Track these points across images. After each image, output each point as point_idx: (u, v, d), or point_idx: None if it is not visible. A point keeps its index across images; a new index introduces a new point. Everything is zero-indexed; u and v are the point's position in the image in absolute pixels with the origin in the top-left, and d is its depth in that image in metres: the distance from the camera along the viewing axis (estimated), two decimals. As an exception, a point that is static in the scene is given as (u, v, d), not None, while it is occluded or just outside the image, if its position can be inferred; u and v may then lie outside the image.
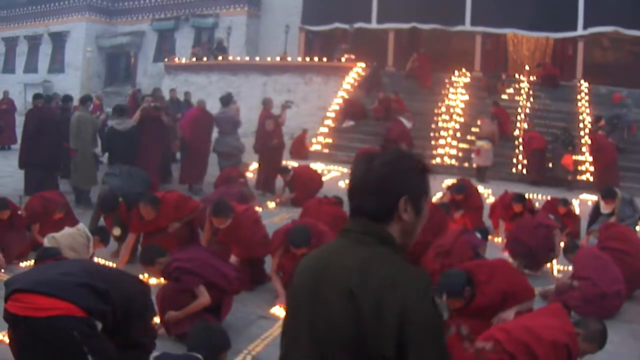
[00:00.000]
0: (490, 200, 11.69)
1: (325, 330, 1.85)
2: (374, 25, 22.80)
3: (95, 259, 7.14)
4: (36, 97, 12.26)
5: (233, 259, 6.86)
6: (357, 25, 22.79)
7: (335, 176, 14.90)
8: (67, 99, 13.69)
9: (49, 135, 11.12)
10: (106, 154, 13.16)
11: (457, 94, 19.43)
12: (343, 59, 21.35)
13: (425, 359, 1.74)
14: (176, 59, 24.14)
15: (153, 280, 6.31)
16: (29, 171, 11.20)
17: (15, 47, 31.91)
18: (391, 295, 1.75)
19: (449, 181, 11.70)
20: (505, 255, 8.22)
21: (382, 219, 1.92)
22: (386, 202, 1.91)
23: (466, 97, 19.21)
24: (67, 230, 6.88)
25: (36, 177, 10.87)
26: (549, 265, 8.23)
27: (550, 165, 15.07)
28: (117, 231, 7.92)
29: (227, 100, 13.56)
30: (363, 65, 21.17)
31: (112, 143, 11.21)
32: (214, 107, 13.84)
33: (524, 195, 9.36)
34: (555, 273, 8.09)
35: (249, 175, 13.10)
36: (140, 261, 5.80)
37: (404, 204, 1.91)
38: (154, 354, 4.29)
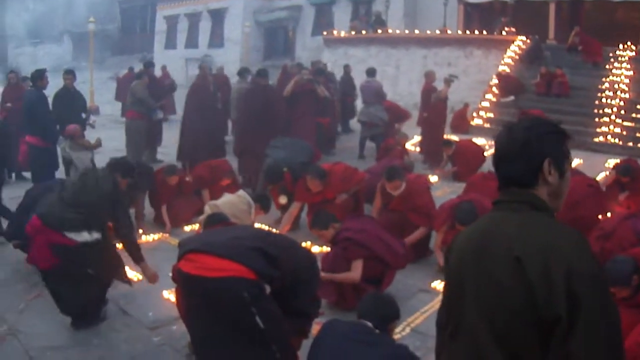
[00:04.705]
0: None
1: (494, 300, 1.88)
2: (534, -4, 22.18)
3: (257, 226, 7.33)
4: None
5: (421, 230, 7.12)
6: (517, -3, 22.29)
7: (497, 151, 14.72)
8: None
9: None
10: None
11: (621, 68, 18.39)
12: (503, 32, 20.88)
13: (596, 312, 1.74)
14: (335, 32, 24.35)
15: (315, 249, 6.67)
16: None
17: (176, 25, 33.53)
18: (556, 255, 1.80)
19: (612, 161, 11.25)
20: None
21: (530, 183, 2.02)
22: (531, 165, 2.01)
23: (631, 73, 18.12)
24: (228, 197, 7.08)
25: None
26: None
27: None
28: (283, 199, 8.28)
29: (372, 71, 13.93)
30: (524, 38, 20.62)
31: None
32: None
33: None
34: None
35: (410, 148, 13.41)
36: (314, 225, 5.97)
37: (548, 166, 2.01)
38: (321, 320, 4.40)
